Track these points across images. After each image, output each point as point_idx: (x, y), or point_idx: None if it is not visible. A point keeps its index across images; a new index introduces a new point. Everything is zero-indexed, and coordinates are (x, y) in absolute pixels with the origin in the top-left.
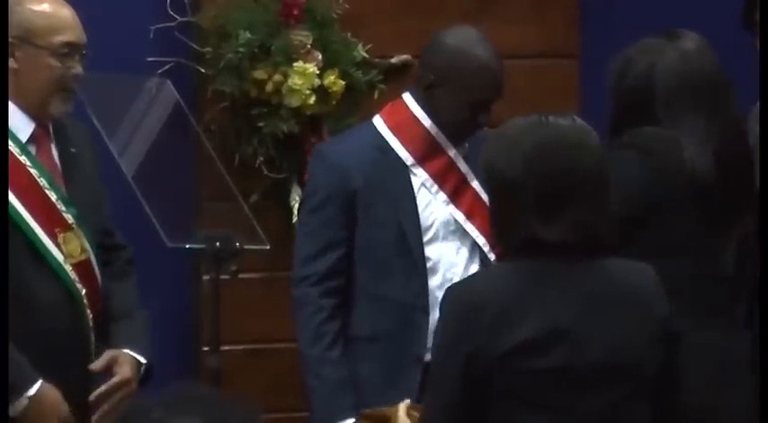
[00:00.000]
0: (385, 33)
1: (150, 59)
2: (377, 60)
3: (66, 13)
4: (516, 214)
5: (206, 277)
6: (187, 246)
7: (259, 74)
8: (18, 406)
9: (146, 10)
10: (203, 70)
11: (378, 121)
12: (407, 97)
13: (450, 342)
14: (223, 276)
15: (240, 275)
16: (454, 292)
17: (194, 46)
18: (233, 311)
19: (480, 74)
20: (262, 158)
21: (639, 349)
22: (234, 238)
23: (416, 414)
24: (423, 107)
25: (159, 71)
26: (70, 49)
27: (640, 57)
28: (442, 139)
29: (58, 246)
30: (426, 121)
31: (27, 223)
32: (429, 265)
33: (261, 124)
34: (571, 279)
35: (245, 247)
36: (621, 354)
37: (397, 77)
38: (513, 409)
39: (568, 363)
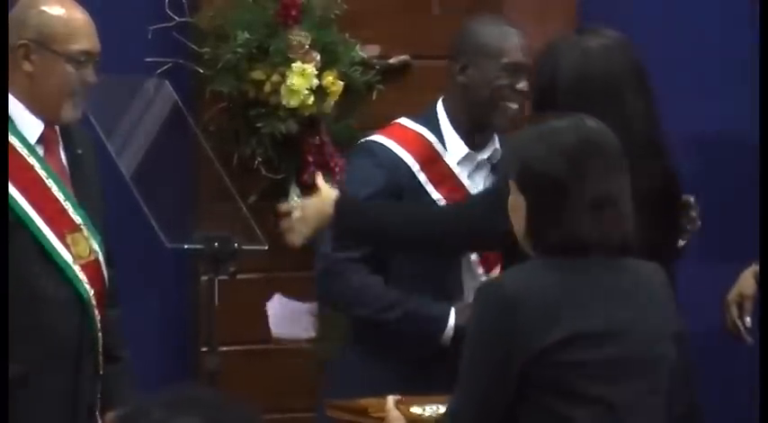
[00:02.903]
0: (383, 34)
1: (148, 60)
2: (375, 61)
3: (84, 19)
4: (560, 215)
5: (204, 278)
6: (185, 246)
7: (257, 74)
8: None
9: (144, 10)
10: (201, 71)
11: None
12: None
13: (486, 338)
14: (221, 277)
15: (238, 276)
16: (488, 289)
17: (192, 46)
18: (231, 312)
19: (508, 37)
20: (260, 159)
21: (664, 344)
22: (232, 238)
23: (405, 408)
24: (459, 100)
25: (157, 72)
26: (86, 57)
27: (548, 56)
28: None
29: (66, 247)
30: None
31: (35, 224)
32: (465, 260)
33: (259, 125)
34: (603, 277)
35: (244, 247)
36: (651, 348)
37: (395, 78)
38: (549, 399)
39: (606, 356)
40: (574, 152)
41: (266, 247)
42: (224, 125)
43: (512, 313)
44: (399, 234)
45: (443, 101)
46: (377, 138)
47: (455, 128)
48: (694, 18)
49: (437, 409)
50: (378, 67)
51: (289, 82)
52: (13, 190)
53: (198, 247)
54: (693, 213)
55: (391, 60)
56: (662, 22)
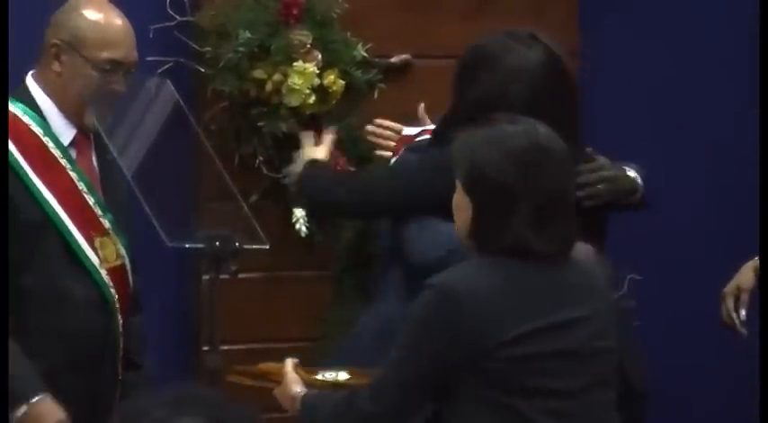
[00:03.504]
0: (385, 33)
1: (150, 59)
2: (377, 60)
3: (121, 28)
4: (507, 220)
5: (205, 277)
6: (187, 245)
7: (259, 73)
8: (18, 414)
9: (145, 9)
10: (203, 70)
11: None
12: None
13: (428, 328)
14: (223, 276)
15: (240, 275)
16: (433, 285)
17: (194, 45)
18: (232, 311)
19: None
20: (261, 158)
21: (609, 337)
22: (233, 237)
23: (304, 372)
24: None
25: (159, 71)
26: (114, 65)
27: (492, 69)
28: None
29: (94, 250)
30: None
31: (65, 225)
32: None
33: (260, 124)
34: (549, 274)
35: (245, 246)
36: (597, 341)
37: (396, 77)
38: (497, 394)
39: (555, 350)
40: (524, 157)
41: (267, 247)
42: (225, 124)
43: (458, 310)
44: None
45: None
46: None
47: None
48: (692, 14)
49: (336, 375)
50: (379, 66)
51: (290, 81)
52: (44, 189)
53: (199, 246)
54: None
55: (393, 59)
56: (661, 18)
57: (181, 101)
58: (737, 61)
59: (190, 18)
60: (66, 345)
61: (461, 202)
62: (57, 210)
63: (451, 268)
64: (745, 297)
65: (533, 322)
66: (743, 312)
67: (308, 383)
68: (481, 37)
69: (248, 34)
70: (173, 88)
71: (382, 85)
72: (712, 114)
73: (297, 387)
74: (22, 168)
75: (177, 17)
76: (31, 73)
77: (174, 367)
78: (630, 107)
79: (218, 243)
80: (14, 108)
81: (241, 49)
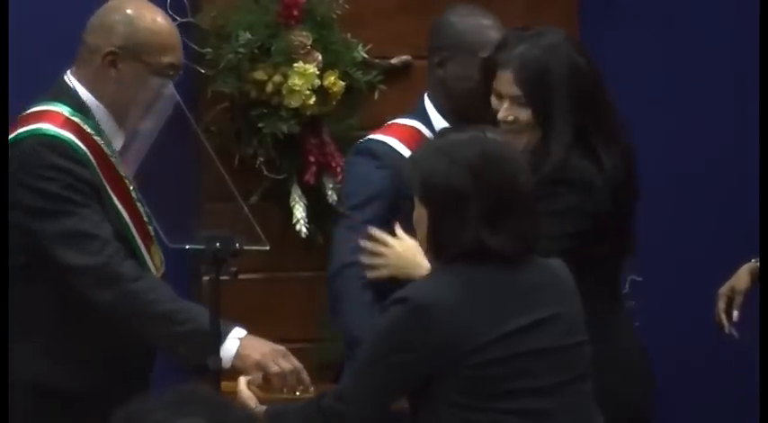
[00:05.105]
0: (385, 34)
1: None
2: (377, 61)
3: (174, 31)
4: (462, 224)
5: (206, 278)
6: (187, 246)
7: (259, 74)
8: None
9: None
10: (203, 71)
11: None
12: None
13: (396, 339)
14: (223, 277)
15: (240, 276)
16: (401, 297)
17: (194, 46)
18: (233, 312)
19: (483, 30)
20: (262, 159)
21: (580, 330)
22: (234, 238)
23: (257, 389)
24: (441, 94)
25: None
26: (173, 70)
27: (554, 61)
28: None
29: (151, 259)
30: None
31: (134, 236)
32: None
33: (261, 125)
34: (513, 275)
35: (245, 247)
36: (569, 336)
37: (397, 78)
38: (469, 396)
39: (529, 349)
40: (472, 163)
41: (268, 248)
42: (225, 125)
43: (426, 322)
44: None
45: (428, 96)
46: (378, 137)
47: (446, 120)
48: (691, 12)
49: (293, 392)
50: (379, 67)
51: (290, 82)
52: (116, 201)
53: (199, 247)
54: None
55: (393, 60)
56: (661, 17)
57: (181, 102)
58: (738, 62)
59: (190, 19)
60: (129, 355)
61: (420, 216)
62: (127, 221)
63: (417, 281)
64: (738, 299)
65: (503, 326)
66: (735, 314)
67: (263, 400)
68: (524, 50)
69: (248, 35)
70: (173, 89)
71: (382, 87)
72: (713, 115)
73: (251, 404)
74: (102, 181)
75: (177, 18)
76: (70, 72)
77: (175, 368)
78: (630, 108)
79: (218, 244)
80: (80, 121)
81: (241, 50)
